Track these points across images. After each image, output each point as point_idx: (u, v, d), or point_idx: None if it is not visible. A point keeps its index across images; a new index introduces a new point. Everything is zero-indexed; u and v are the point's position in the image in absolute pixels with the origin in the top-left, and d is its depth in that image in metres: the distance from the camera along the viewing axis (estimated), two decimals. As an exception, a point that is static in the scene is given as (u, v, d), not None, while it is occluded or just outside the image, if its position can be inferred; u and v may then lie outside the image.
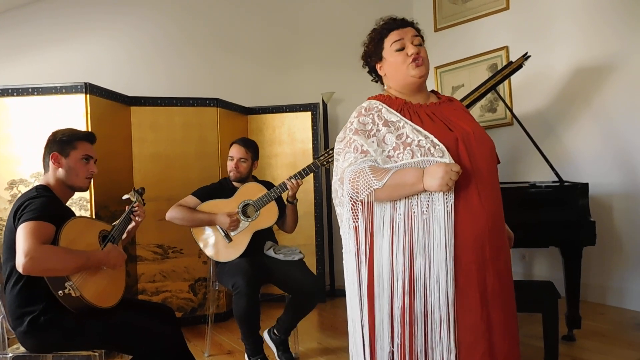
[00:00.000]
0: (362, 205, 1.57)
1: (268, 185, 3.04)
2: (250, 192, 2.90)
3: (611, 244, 3.67)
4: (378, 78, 1.84)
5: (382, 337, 1.55)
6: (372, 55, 1.78)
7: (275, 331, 2.86)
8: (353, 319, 1.64)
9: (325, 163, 2.89)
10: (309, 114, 4.20)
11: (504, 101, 3.55)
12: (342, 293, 4.48)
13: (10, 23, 3.77)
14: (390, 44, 1.70)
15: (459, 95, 4.38)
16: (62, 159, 2.04)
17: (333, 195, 1.71)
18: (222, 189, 2.98)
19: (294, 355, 2.88)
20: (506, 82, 4.16)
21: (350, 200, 1.58)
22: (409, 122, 1.60)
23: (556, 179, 3.22)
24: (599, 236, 2.95)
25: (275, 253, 2.86)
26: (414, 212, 1.53)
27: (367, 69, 1.86)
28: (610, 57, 3.71)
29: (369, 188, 1.52)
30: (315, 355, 3.01)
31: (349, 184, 1.56)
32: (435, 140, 1.55)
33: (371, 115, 1.65)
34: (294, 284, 2.76)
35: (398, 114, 1.63)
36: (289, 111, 4.21)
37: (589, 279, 3.72)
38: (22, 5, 3.79)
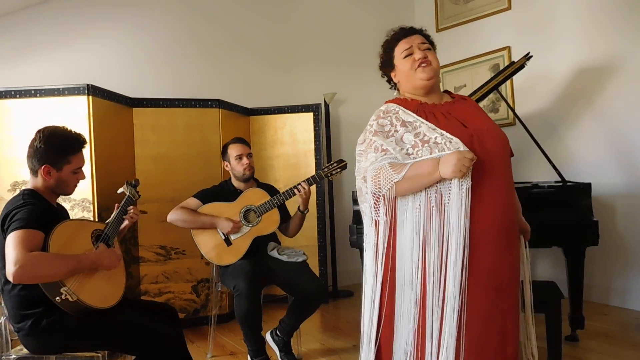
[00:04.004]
0: (384, 200, 1.64)
1: (270, 188, 3.04)
2: (253, 197, 2.90)
3: (614, 244, 3.66)
4: (394, 85, 1.92)
5: (401, 328, 1.62)
6: (386, 65, 1.88)
7: (277, 332, 2.86)
8: (370, 310, 1.70)
9: (329, 175, 2.89)
10: (310, 114, 4.20)
11: (506, 101, 3.54)
12: (344, 294, 4.51)
13: (14, 25, 3.78)
14: (400, 52, 1.80)
15: (461, 96, 4.38)
16: (54, 172, 1.97)
17: (358, 194, 1.80)
18: (224, 191, 2.98)
19: (296, 357, 2.88)
20: (508, 82, 4.15)
21: (373, 197, 1.66)
22: (425, 121, 1.68)
23: (559, 179, 3.21)
24: (601, 236, 2.94)
25: (279, 254, 2.86)
26: (433, 206, 1.60)
27: (385, 78, 1.95)
28: (612, 57, 3.70)
29: (389, 182, 1.60)
30: (318, 356, 3.01)
31: (372, 181, 1.65)
32: (450, 136, 1.62)
33: (389, 118, 1.73)
34: (297, 286, 2.75)
35: (414, 115, 1.71)
36: (291, 112, 4.21)
37: (592, 279, 3.71)
38: (24, 7, 3.80)
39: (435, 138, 1.62)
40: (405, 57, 1.77)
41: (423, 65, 1.74)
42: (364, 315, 1.75)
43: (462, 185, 1.56)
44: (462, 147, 1.58)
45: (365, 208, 1.74)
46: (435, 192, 1.60)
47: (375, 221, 1.68)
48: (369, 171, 1.66)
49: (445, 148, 1.60)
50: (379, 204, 1.66)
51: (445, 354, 1.55)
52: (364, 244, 1.77)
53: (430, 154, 1.61)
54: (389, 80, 1.93)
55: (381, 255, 1.66)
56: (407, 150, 1.65)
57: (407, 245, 1.62)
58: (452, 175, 1.53)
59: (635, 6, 3.57)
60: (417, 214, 1.61)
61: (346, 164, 2.91)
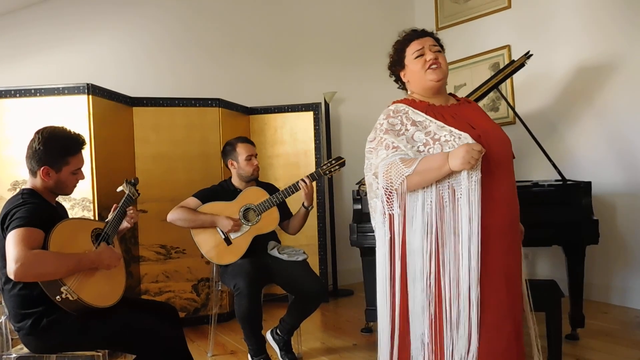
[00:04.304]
0: (397, 194, 1.70)
1: (271, 187, 3.03)
2: (252, 196, 2.90)
3: (614, 243, 3.66)
4: (402, 85, 1.97)
5: (416, 320, 1.68)
6: (396, 64, 1.93)
7: (278, 331, 2.86)
8: (387, 304, 1.75)
9: (327, 172, 2.89)
10: (311, 113, 4.20)
11: (506, 100, 3.54)
12: (345, 293, 4.51)
13: (13, 24, 3.78)
14: (411, 52, 1.85)
15: (461, 95, 4.38)
16: (53, 173, 1.97)
17: (367, 190, 1.85)
18: (224, 191, 2.97)
19: (296, 356, 2.88)
20: (508, 81, 4.15)
21: (385, 192, 1.71)
22: (434, 120, 1.74)
23: (559, 178, 3.21)
24: (602, 235, 2.94)
25: (279, 253, 2.86)
26: (445, 201, 1.66)
27: (393, 78, 1.99)
28: (612, 55, 3.70)
29: (401, 176, 1.65)
30: (318, 355, 3.01)
31: (383, 176, 1.70)
32: (459, 132, 1.68)
33: (399, 117, 1.78)
34: (297, 285, 2.76)
35: (423, 114, 1.76)
36: (291, 111, 4.21)
37: (592, 277, 3.71)
38: (24, 6, 3.79)
39: (445, 135, 1.69)
40: (417, 57, 1.83)
41: (433, 66, 1.79)
42: (380, 309, 1.78)
43: (471, 176, 1.62)
44: (470, 141, 1.64)
45: (375, 204, 1.80)
46: (448, 188, 1.66)
47: (390, 215, 1.72)
48: (380, 167, 1.71)
49: (455, 144, 1.66)
50: (392, 199, 1.70)
51: (468, 345, 1.62)
52: (376, 239, 1.81)
53: (442, 151, 1.67)
54: (397, 80, 1.97)
55: (398, 249, 1.71)
56: (419, 148, 1.71)
57: (417, 239, 1.67)
58: (461, 167, 1.59)
59: (636, 4, 3.56)
60: (429, 209, 1.66)
61: (344, 160, 2.92)
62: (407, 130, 1.74)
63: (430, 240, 1.65)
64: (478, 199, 1.61)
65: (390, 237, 1.73)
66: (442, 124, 1.72)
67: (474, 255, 1.61)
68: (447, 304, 1.64)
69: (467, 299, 1.62)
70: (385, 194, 1.71)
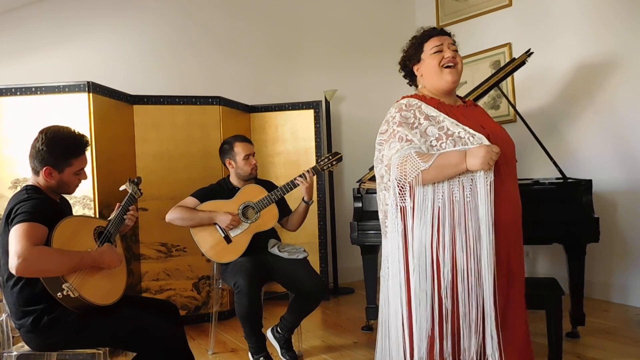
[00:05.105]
0: (410, 187, 1.72)
1: (270, 185, 3.03)
2: (250, 193, 2.89)
3: (615, 241, 3.66)
4: (412, 81, 2.01)
5: (420, 312, 1.70)
6: (411, 58, 1.96)
7: (278, 329, 2.86)
8: (395, 296, 1.77)
9: (325, 168, 2.91)
10: (311, 112, 4.20)
11: (507, 98, 3.53)
12: (345, 291, 4.51)
13: (15, 22, 3.77)
14: (430, 47, 1.89)
15: (461, 93, 4.37)
16: (56, 174, 1.98)
17: (377, 181, 1.88)
18: (222, 189, 2.97)
19: (297, 353, 2.88)
20: (509, 78, 4.14)
21: (398, 185, 1.73)
22: (447, 117, 1.78)
23: (560, 176, 3.21)
24: (602, 233, 2.94)
25: (279, 251, 2.86)
26: (456, 197, 1.70)
27: (402, 73, 2.03)
28: (613, 53, 3.69)
29: (416, 170, 1.67)
30: (319, 353, 3.01)
31: (397, 169, 1.71)
32: (473, 131, 1.73)
33: (412, 111, 1.81)
34: (298, 283, 2.75)
35: (436, 110, 1.80)
36: (292, 109, 4.21)
37: (592, 276, 3.71)
38: (25, 4, 3.79)
39: (459, 132, 1.72)
40: (435, 52, 1.86)
41: (450, 64, 1.84)
42: (390, 300, 1.79)
43: (487, 177, 1.67)
44: (485, 141, 1.69)
45: (384, 196, 1.83)
46: (458, 185, 1.69)
47: (402, 207, 1.74)
48: (394, 159, 1.73)
49: (469, 142, 1.70)
50: (404, 191, 1.72)
51: (491, 339, 1.68)
52: (387, 230, 1.82)
53: (454, 147, 1.70)
54: (407, 75, 2.01)
55: (411, 241, 1.72)
56: (431, 142, 1.74)
57: (427, 233, 1.69)
58: (480, 167, 1.64)
59: (637, 1, 3.55)
60: (440, 204, 1.69)
61: (341, 156, 2.94)
62: (420, 124, 1.77)
63: (440, 234, 1.68)
64: (492, 199, 1.66)
65: (404, 229, 1.75)
66: (455, 121, 1.76)
67: (490, 252, 1.65)
68: (464, 297, 1.68)
69: (487, 292, 1.66)
70: (398, 186, 1.73)
